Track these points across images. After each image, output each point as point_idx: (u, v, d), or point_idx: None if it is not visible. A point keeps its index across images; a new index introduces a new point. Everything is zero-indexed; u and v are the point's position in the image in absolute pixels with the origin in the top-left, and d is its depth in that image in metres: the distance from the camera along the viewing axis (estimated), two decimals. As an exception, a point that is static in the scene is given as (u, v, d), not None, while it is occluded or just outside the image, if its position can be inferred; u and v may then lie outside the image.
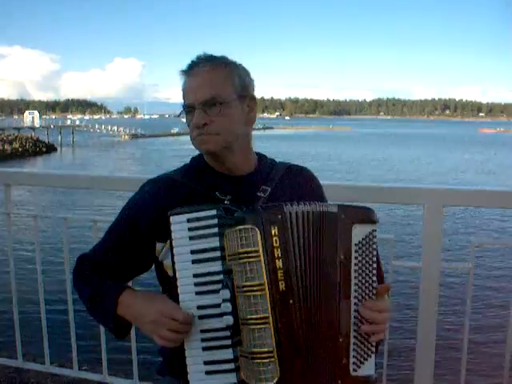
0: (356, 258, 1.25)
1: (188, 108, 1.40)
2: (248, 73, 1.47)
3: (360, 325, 1.25)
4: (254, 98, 1.46)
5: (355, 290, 1.25)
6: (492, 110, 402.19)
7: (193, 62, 1.41)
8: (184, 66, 1.42)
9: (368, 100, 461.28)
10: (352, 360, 1.24)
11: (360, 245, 1.26)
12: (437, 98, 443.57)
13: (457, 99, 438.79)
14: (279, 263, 1.17)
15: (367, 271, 1.26)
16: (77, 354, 2.86)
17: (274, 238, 1.17)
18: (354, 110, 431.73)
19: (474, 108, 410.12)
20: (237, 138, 1.42)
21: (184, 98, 1.41)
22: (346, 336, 1.23)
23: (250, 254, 1.16)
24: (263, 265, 1.16)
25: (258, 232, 1.16)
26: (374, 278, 1.28)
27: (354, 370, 1.24)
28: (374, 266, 1.27)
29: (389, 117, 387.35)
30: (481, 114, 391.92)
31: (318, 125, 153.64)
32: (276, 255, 1.17)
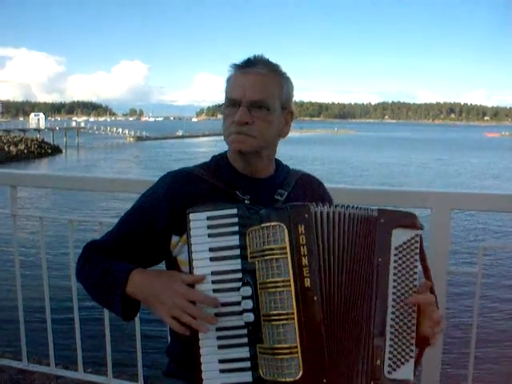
0: (395, 261, 1.27)
1: (232, 102, 1.39)
2: (293, 87, 1.49)
3: (398, 328, 1.25)
4: (292, 112, 1.48)
5: (393, 293, 1.26)
6: (497, 113, 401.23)
7: (251, 60, 1.41)
8: (239, 61, 1.42)
9: (373, 103, 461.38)
10: (387, 362, 1.23)
11: (400, 249, 1.27)
12: (442, 102, 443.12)
13: (462, 103, 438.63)
14: (305, 260, 1.18)
15: (407, 275, 1.27)
16: (82, 357, 2.85)
17: (301, 236, 1.19)
18: (359, 113, 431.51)
19: (480, 112, 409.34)
20: (268, 146, 1.44)
21: (229, 91, 1.41)
22: (381, 336, 1.23)
23: (275, 251, 1.18)
24: (289, 261, 1.17)
25: (286, 229, 1.18)
26: (416, 283, 1.28)
27: (389, 373, 1.23)
28: (416, 270, 1.28)
29: (394, 120, 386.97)
30: (486, 118, 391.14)
31: (323, 128, 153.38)
32: (302, 253, 1.18)
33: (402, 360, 1.24)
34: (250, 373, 1.21)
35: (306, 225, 1.20)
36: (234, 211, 1.24)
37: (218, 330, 1.24)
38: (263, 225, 1.19)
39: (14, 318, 3.02)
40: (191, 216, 1.26)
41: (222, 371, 1.22)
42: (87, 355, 2.95)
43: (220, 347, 1.23)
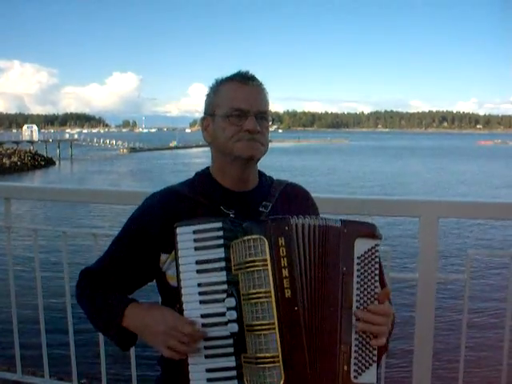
0: (358, 270, 1.30)
1: (239, 112, 1.42)
2: None
3: (361, 334, 1.28)
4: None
5: (357, 301, 1.29)
6: (489, 121, 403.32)
7: (248, 75, 1.47)
8: (236, 75, 1.47)
9: (366, 113, 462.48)
10: (353, 367, 1.27)
11: (362, 258, 1.31)
12: (434, 111, 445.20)
13: (454, 111, 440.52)
14: (285, 272, 1.22)
15: (369, 283, 1.31)
16: (76, 368, 2.86)
17: (282, 249, 1.23)
18: (352, 122, 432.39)
19: (472, 120, 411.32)
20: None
21: (234, 101, 1.43)
22: (347, 344, 1.27)
23: (257, 263, 1.22)
24: (270, 273, 1.21)
25: (267, 242, 1.22)
26: (377, 290, 1.32)
27: (355, 378, 1.27)
28: (376, 278, 1.32)
29: (387, 129, 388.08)
30: (478, 126, 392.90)
31: (317, 138, 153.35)
32: (282, 264, 1.23)
33: (367, 365, 1.29)
34: (235, 381, 1.25)
35: (286, 237, 1.24)
36: (220, 225, 1.28)
37: (205, 340, 1.27)
38: (245, 238, 1.23)
39: (8, 330, 3.03)
40: (178, 230, 1.29)
41: (209, 380, 1.26)
42: (81, 367, 2.96)
43: (207, 357, 1.27)
